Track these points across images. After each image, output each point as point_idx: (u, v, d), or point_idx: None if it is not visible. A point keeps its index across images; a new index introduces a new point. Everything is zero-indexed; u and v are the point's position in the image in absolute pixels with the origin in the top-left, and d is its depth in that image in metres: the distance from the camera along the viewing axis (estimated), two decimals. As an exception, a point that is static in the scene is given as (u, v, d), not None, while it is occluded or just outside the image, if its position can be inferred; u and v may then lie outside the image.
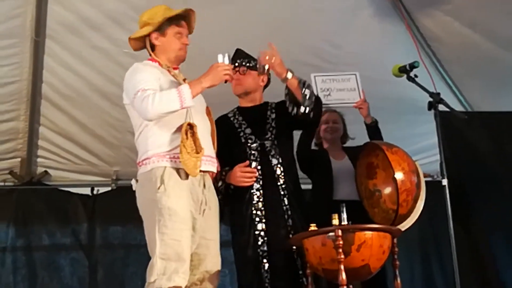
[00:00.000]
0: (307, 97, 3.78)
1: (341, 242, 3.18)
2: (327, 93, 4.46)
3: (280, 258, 3.73)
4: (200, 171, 3.43)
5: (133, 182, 3.50)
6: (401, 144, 6.10)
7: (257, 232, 3.79)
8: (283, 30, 5.12)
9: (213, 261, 3.49)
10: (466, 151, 5.46)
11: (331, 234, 3.23)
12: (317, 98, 3.90)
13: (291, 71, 3.83)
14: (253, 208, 3.84)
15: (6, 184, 6.21)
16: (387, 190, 3.95)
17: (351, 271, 3.23)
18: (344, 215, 3.34)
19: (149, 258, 3.35)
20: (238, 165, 3.89)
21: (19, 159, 6.05)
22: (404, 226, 3.86)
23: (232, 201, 3.97)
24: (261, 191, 3.86)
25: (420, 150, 6.28)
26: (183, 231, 3.30)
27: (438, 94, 3.82)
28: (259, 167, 3.90)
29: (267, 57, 3.74)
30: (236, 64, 4.05)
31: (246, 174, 3.87)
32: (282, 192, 3.86)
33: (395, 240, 3.42)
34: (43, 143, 5.96)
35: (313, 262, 3.39)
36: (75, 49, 5.22)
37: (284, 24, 5.12)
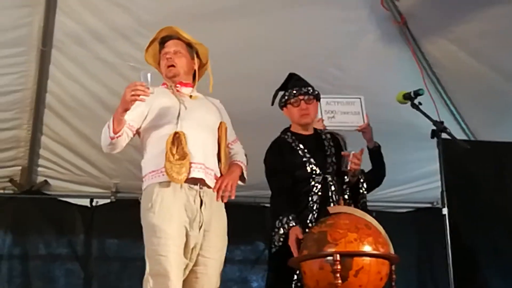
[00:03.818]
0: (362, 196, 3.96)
1: (339, 267, 3.17)
2: (331, 115, 4.44)
3: None
4: (193, 180, 3.43)
5: None
6: (402, 169, 6.14)
7: None
8: (288, 51, 5.15)
9: (211, 280, 3.48)
10: (467, 180, 5.44)
11: (329, 258, 3.22)
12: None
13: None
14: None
15: (6, 191, 6.23)
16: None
17: (348, 297, 3.22)
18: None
19: (144, 272, 3.37)
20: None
21: (19, 168, 6.08)
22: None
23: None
24: (313, 223, 3.74)
25: (420, 176, 6.30)
26: (169, 247, 3.30)
27: (442, 122, 3.82)
28: (317, 201, 3.81)
29: (356, 161, 3.82)
30: (303, 91, 4.02)
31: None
32: None
33: (393, 267, 3.40)
34: (45, 153, 5.98)
35: (310, 285, 3.37)
36: (81, 60, 5.25)
37: (289, 45, 5.15)
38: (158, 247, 3.30)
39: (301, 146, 3.99)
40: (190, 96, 3.68)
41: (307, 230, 3.68)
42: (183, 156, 3.39)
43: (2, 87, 5.29)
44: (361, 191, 3.98)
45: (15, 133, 5.71)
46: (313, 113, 4.11)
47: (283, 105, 4.11)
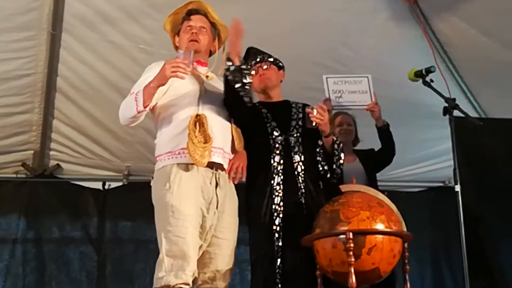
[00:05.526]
0: (337, 159, 3.86)
1: (352, 245, 3.18)
2: (338, 95, 4.43)
3: (294, 256, 3.61)
4: (211, 164, 3.42)
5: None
6: (413, 148, 6.11)
7: (274, 227, 3.67)
8: (299, 31, 5.13)
9: (225, 261, 3.48)
10: (480, 157, 5.42)
11: (342, 236, 3.23)
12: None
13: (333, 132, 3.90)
14: (272, 204, 3.72)
15: (18, 176, 6.24)
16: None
17: (361, 274, 3.23)
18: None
19: (158, 254, 3.37)
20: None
21: (32, 152, 6.07)
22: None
23: (250, 196, 3.86)
24: (281, 185, 3.75)
25: (432, 155, 6.28)
26: (187, 229, 3.30)
27: (454, 99, 3.81)
28: (281, 162, 3.79)
29: (316, 114, 3.70)
30: (258, 60, 4.03)
31: None
32: (301, 191, 3.76)
33: (406, 245, 3.41)
34: (56, 136, 5.98)
35: (323, 264, 3.39)
36: (91, 43, 5.23)
37: (301, 25, 5.11)
38: (176, 228, 3.29)
39: (265, 110, 3.96)
40: (207, 77, 3.67)
41: (275, 193, 3.72)
42: (206, 139, 3.38)
43: (13, 71, 5.28)
44: (336, 158, 3.91)
45: (27, 117, 5.71)
46: (273, 77, 4.08)
47: None
